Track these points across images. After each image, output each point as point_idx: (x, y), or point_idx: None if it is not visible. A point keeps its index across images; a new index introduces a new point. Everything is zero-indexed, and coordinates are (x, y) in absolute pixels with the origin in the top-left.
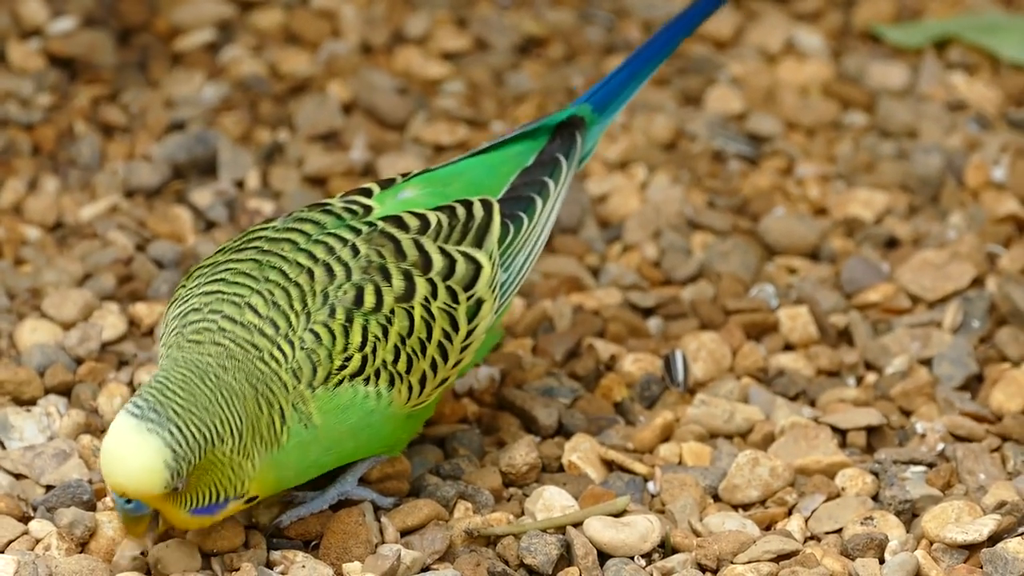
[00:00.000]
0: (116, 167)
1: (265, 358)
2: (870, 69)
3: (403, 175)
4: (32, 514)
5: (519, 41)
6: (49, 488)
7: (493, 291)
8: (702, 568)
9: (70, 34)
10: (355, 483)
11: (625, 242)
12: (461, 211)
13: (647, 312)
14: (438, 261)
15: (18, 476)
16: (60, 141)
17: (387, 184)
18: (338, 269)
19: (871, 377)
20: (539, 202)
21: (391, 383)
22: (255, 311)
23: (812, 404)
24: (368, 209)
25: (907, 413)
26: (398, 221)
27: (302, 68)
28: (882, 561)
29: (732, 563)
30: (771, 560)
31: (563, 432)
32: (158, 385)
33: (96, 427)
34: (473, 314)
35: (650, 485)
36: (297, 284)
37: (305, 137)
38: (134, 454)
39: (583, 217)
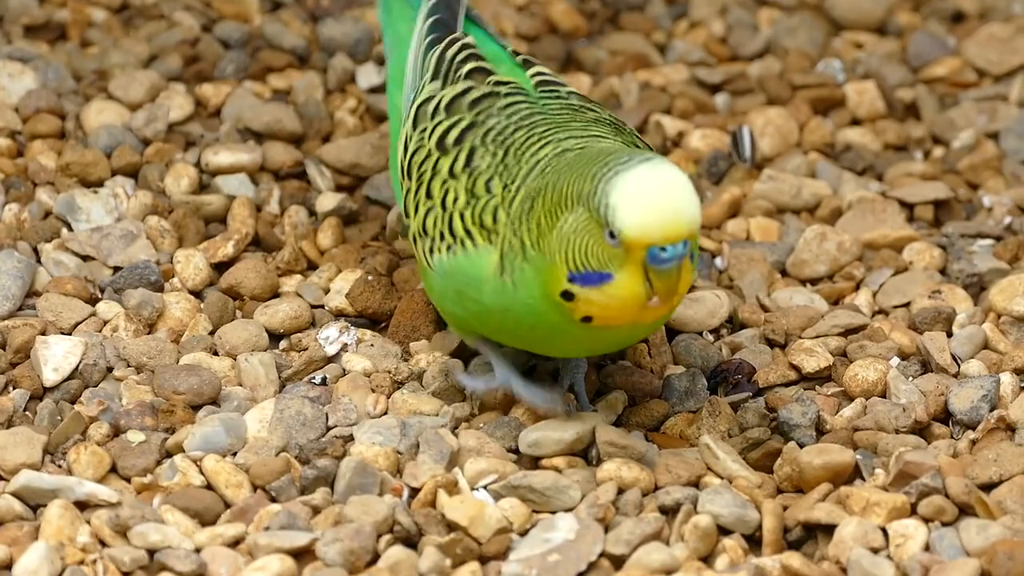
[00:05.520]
0: None
1: None
2: None
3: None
4: (99, 295)
5: None
6: (116, 269)
7: None
8: (770, 343)
9: None
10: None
11: (691, 18)
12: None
13: (714, 88)
14: None
15: (85, 258)
16: None
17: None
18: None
19: (938, 151)
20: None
21: None
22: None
23: (879, 178)
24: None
25: (974, 187)
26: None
27: None
28: (950, 334)
29: (800, 337)
30: (839, 334)
31: None
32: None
33: (163, 208)
34: None
35: (718, 261)
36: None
37: None
38: (689, 188)
39: None
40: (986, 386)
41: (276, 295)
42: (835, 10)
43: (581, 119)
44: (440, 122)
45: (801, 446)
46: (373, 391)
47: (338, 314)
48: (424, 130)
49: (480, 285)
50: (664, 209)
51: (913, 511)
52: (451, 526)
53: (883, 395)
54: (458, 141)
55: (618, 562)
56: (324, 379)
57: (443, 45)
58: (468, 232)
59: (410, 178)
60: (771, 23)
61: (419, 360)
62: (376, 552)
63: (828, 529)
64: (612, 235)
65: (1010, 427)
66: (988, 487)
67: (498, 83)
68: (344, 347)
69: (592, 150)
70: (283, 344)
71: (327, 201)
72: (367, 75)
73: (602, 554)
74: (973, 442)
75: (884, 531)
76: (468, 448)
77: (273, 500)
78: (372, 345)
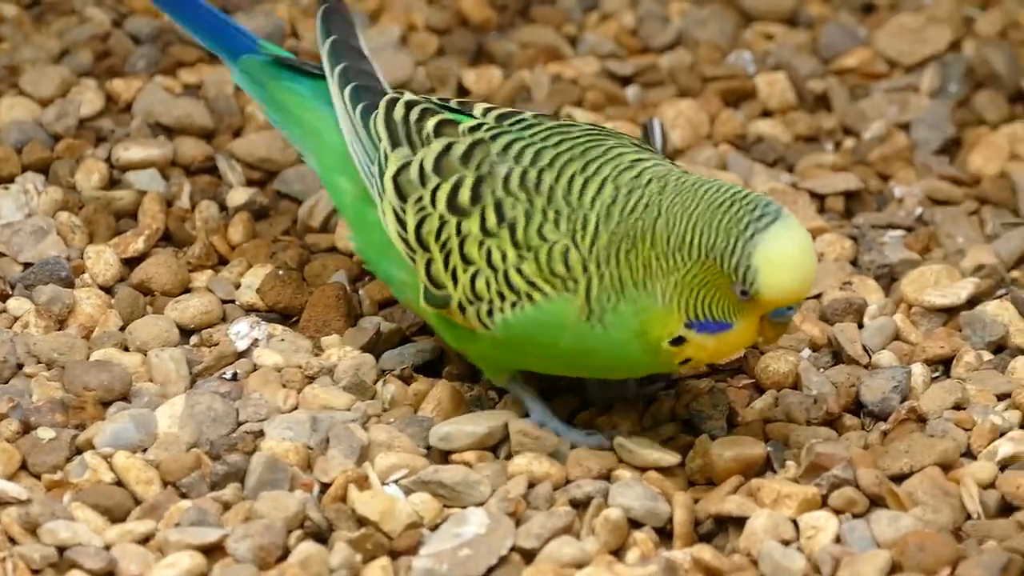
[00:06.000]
0: None
1: None
2: None
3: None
4: (10, 292)
5: None
6: (27, 266)
7: None
8: None
9: None
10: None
11: (603, 10)
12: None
13: (625, 80)
14: None
15: None
16: None
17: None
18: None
19: (849, 142)
20: None
21: None
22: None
23: (790, 170)
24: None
25: (885, 178)
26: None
27: None
28: (861, 326)
29: None
30: None
31: None
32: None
33: (74, 204)
34: None
35: None
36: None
37: None
38: (813, 247)
39: None
40: (897, 377)
41: (187, 290)
42: (746, 1)
43: (596, 141)
44: (438, 185)
45: (713, 438)
46: (284, 386)
47: (249, 309)
48: (420, 199)
49: (560, 332)
50: (802, 275)
51: (824, 503)
52: (361, 521)
53: (794, 387)
54: (475, 199)
55: (529, 556)
56: (235, 374)
57: (383, 109)
58: (533, 284)
59: (427, 250)
60: (682, 15)
61: (330, 355)
62: (287, 548)
63: (739, 521)
64: (745, 292)
65: (921, 418)
66: (899, 478)
67: (472, 129)
68: (255, 342)
69: (710, 191)
70: (194, 339)
71: (238, 196)
72: None
73: (513, 548)
74: (884, 433)
75: (795, 523)
76: (378, 443)
77: (183, 496)
78: (283, 340)
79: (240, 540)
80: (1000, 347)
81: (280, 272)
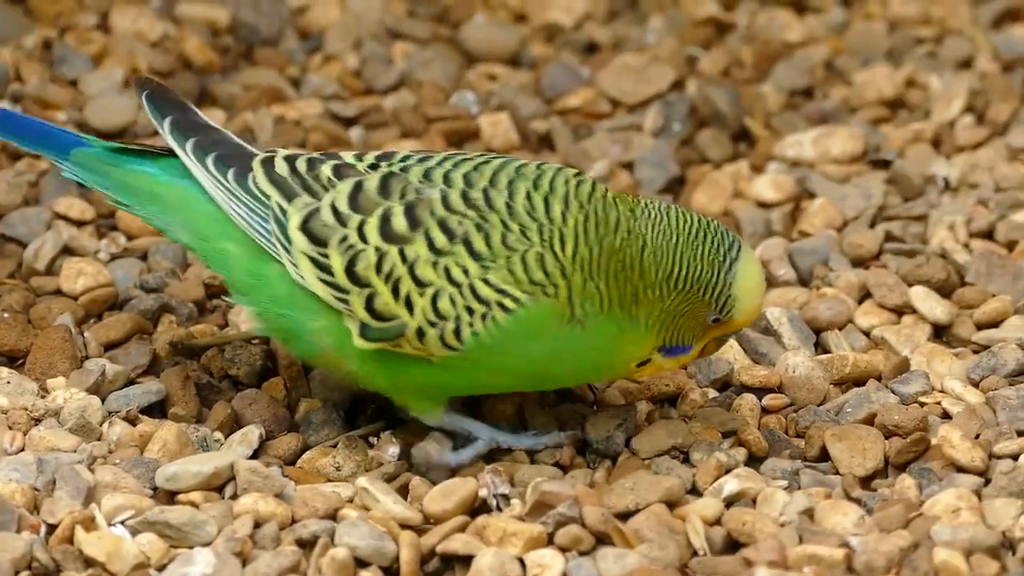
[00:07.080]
0: None
1: None
2: None
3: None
4: None
5: None
6: None
7: None
8: None
9: None
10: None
11: (326, 52)
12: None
13: (349, 122)
14: None
15: None
16: None
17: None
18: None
19: None
20: None
21: None
22: None
23: None
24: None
25: None
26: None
27: None
28: None
29: None
30: None
31: None
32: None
33: None
34: None
35: None
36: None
37: None
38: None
39: (283, 28)
40: (622, 415)
41: None
42: (468, 42)
43: (511, 159)
44: (363, 221)
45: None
46: (10, 428)
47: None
48: (344, 239)
49: (536, 339)
50: (762, 298)
51: (550, 541)
52: (89, 562)
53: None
54: (414, 225)
55: None
56: None
57: (261, 168)
58: (503, 291)
59: (366, 286)
60: (405, 56)
61: (56, 397)
62: None
63: (466, 560)
64: (718, 319)
65: (647, 455)
66: (625, 516)
67: (371, 167)
68: None
69: (682, 222)
70: None
71: None
72: None
73: None
74: (609, 471)
75: (521, 561)
76: (105, 484)
77: None
78: (9, 382)
79: None
80: (725, 384)
81: (5, 315)
